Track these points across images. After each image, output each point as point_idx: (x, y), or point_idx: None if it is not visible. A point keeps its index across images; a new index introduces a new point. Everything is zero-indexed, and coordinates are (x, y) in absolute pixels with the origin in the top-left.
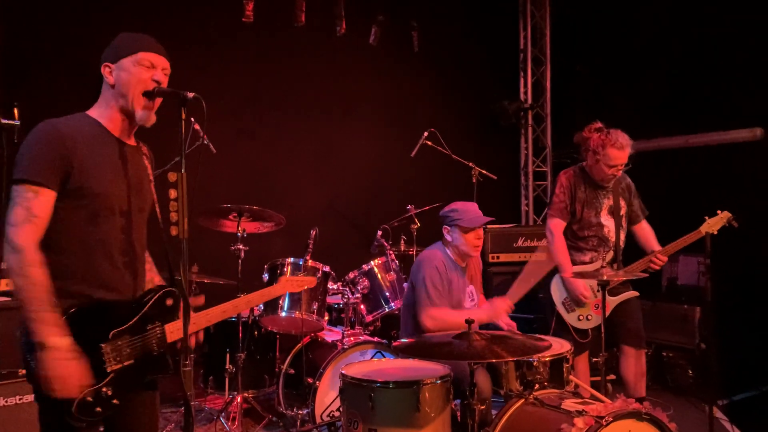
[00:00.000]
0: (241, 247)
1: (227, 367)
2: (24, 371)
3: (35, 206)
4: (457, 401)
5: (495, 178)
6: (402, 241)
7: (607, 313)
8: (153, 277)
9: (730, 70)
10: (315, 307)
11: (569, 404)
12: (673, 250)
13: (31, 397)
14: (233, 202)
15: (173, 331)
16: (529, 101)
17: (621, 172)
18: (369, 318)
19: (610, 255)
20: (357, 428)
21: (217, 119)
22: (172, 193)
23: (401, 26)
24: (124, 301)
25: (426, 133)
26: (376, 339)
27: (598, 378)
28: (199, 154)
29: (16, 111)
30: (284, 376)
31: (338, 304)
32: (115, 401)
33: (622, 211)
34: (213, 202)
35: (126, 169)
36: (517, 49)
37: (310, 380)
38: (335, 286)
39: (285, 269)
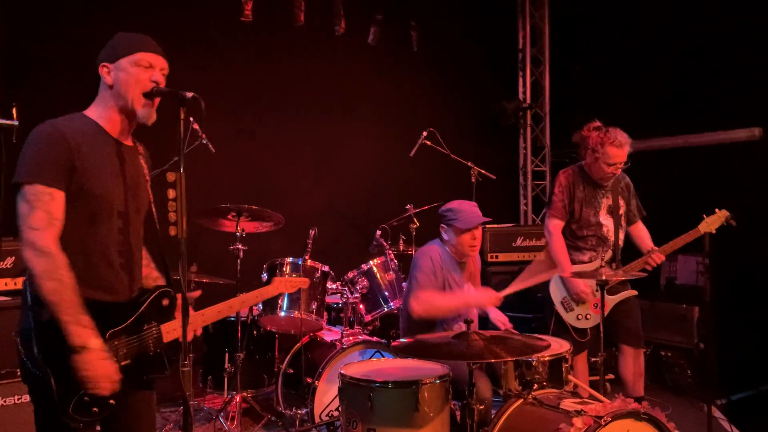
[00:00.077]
0: (240, 246)
1: (226, 366)
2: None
3: (54, 209)
4: (456, 401)
5: (494, 177)
6: (401, 241)
7: (606, 313)
8: (150, 272)
9: (729, 69)
10: (314, 306)
11: (568, 404)
12: (672, 249)
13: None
14: (232, 201)
15: (169, 331)
16: (528, 101)
17: (620, 170)
18: (368, 318)
19: (608, 254)
20: (356, 428)
21: (216, 119)
22: (171, 193)
23: (400, 26)
24: (121, 302)
25: (425, 133)
26: (375, 339)
27: (597, 378)
28: (198, 154)
29: (14, 111)
30: (283, 375)
31: (337, 303)
32: (111, 401)
33: (621, 211)
34: (212, 202)
35: (124, 170)
36: (516, 48)
37: (309, 380)
38: (334, 286)
39: (284, 269)
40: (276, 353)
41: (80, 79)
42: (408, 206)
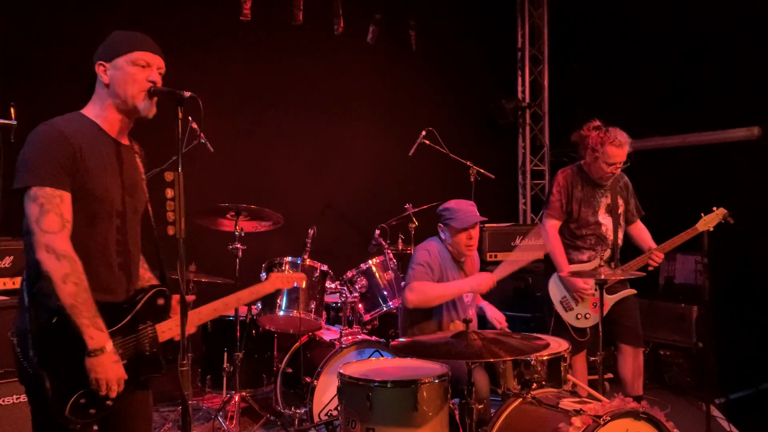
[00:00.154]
0: (238, 246)
1: (225, 366)
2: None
3: (65, 211)
4: (455, 400)
5: (493, 177)
6: (400, 240)
7: (605, 312)
8: (144, 273)
9: (728, 69)
10: (313, 306)
11: (567, 403)
12: (670, 248)
13: None
14: (231, 201)
15: (165, 330)
16: (527, 100)
17: (619, 170)
18: (367, 317)
19: (607, 253)
20: (355, 427)
21: (215, 118)
22: (169, 193)
23: (399, 25)
24: (117, 302)
25: (424, 132)
26: (374, 338)
27: (596, 377)
28: (197, 153)
29: (12, 111)
30: (282, 375)
31: (336, 303)
32: (108, 402)
33: (620, 210)
34: (210, 201)
35: (122, 170)
36: (515, 47)
37: (307, 379)
38: (333, 285)
39: (283, 268)
40: (275, 352)
41: (78, 79)
42: (407, 205)
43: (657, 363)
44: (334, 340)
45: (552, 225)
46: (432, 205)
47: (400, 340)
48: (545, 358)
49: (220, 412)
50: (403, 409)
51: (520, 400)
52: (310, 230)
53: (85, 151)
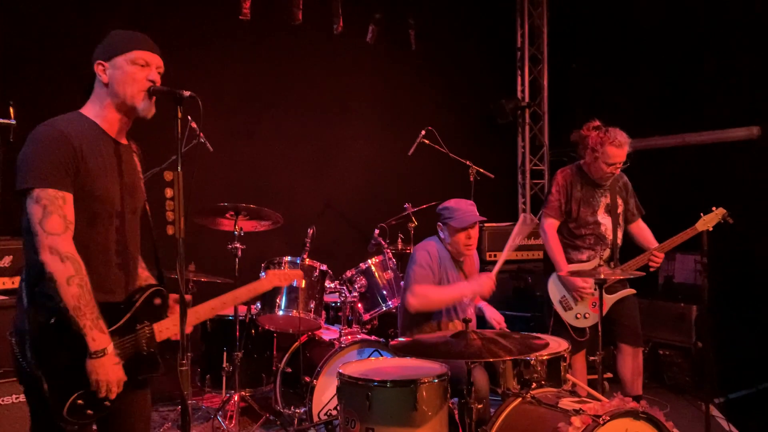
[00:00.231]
0: (238, 245)
1: (224, 365)
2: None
3: (68, 212)
4: (455, 400)
5: (492, 176)
6: (399, 240)
7: (605, 312)
8: (141, 272)
9: (727, 68)
10: (312, 305)
11: (566, 403)
12: (669, 247)
13: None
14: (230, 200)
15: (162, 330)
16: (527, 99)
17: (619, 170)
18: (366, 317)
19: (607, 253)
20: (354, 427)
21: (214, 117)
22: (169, 192)
23: (398, 25)
24: (115, 302)
25: (423, 132)
26: (373, 338)
27: (596, 376)
28: (196, 153)
29: (11, 110)
30: (281, 374)
31: (335, 302)
32: (106, 403)
33: (620, 209)
34: (210, 201)
35: (121, 170)
36: (515, 47)
37: (307, 379)
38: (332, 285)
39: (282, 268)
40: (274, 352)
41: (78, 79)
42: (406, 205)
43: (656, 363)
44: (334, 339)
45: (551, 224)
46: (431, 205)
47: (400, 339)
48: (545, 357)
49: (220, 412)
50: (402, 409)
51: (519, 399)
52: (309, 230)
53: (85, 151)
